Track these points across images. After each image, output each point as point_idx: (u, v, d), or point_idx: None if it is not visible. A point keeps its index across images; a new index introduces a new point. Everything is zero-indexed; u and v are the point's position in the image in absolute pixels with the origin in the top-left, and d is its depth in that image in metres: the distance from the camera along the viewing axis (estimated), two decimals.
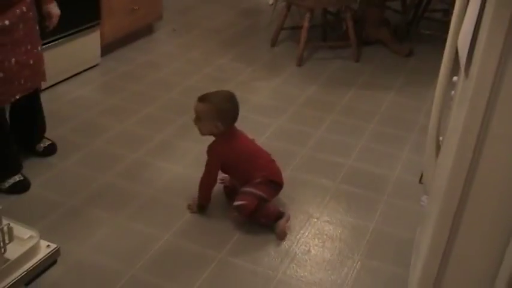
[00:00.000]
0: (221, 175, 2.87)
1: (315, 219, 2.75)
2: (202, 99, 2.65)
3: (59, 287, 2.28)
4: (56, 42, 3.65)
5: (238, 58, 4.49)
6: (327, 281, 2.39)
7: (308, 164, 3.17)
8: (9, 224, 1.90)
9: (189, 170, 3.04)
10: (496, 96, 1.54)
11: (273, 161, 2.77)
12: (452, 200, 1.71)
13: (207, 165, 2.68)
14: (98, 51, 4.12)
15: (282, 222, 2.62)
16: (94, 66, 4.12)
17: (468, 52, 1.67)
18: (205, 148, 3.22)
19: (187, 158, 3.15)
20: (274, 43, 4.73)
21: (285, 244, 2.57)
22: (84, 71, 4.04)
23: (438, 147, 2.18)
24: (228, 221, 2.68)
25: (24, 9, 2.62)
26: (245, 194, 2.60)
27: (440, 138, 2.19)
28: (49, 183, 2.88)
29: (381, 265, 2.48)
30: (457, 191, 1.70)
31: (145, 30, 4.73)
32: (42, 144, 3.07)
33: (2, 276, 1.89)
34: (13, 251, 1.93)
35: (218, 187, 2.82)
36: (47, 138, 3.11)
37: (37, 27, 2.76)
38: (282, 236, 2.60)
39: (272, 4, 5.64)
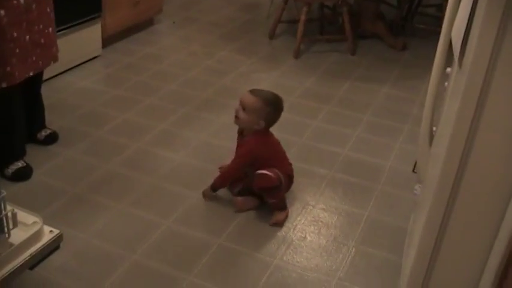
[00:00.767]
0: (220, 163, 2.95)
1: (311, 207, 2.82)
2: (255, 93, 2.70)
3: (63, 271, 2.33)
4: (58, 33, 3.69)
5: (237, 51, 4.55)
6: (322, 267, 2.46)
7: (305, 153, 3.24)
8: (13, 210, 1.93)
9: (190, 159, 3.11)
10: (488, 87, 1.57)
11: (291, 163, 2.85)
12: (445, 188, 1.75)
13: (239, 157, 2.71)
14: (99, 43, 4.17)
15: (282, 213, 2.70)
16: (95, 57, 4.18)
17: (462, 43, 1.70)
18: (205, 138, 3.30)
19: (188, 147, 3.22)
20: (272, 36, 4.79)
21: (282, 231, 2.64)
22: (86, 62, 4.10)
23: (431, 138, 2.24)
24: (227, 208, 2.75)
25: None
26: (271, 171, 2.63)
27: (434, 128, 2.24)
28: (53, 171, 2.94)
29: (375, 252, 2.55)
30: (449, 180, 1.73)
31: (146, 23, 4.78)
32: (43, 133, 3.13)
33: (6, 260, 1.91)
34: (17, 236, 1.96)
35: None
36: (47, 127, 3.17)
37: (49, 9, 2.81)
38: (275, 224, 2.67)
39: None
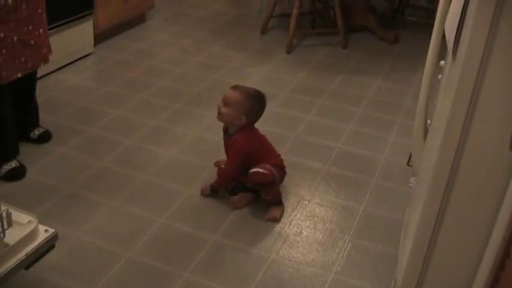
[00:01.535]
0: (215, 159, 2.94)
1: (306, 202, 2.82)
2: (237, 88, 2.71)
3: (58, 270, 2.32)
4: (50, 31, 3.67)
5: (229, 46, 4.54)
6: (318, 261, 2.46)
7: (299, 147, 3.24)
8: (7, 210, 1.91)
9: (183, 155, 3.10)
10: (482, 79, 1.57)
11: (280, 155, 2.85)
12: (441, 181, 1.76)
13: (232, 159, 2.71)
14: (91, 40, 4.15)
15: (278, 209, 2.70)
16: (88, 55, 4.15)
17: (455, 35, 1.71)
18: (198, 133, 3.29)
19: (180, 143, 3.21)
20: (264, 31, 4.78)
21: (278, 226, 2.64)
22: (78, 59, 4.07)
23: (426, 130, 2.25)
24: (222, 204, 2.74)
25: None
26: (264, 167, 2.64)
27: (428, 121, 2.25)
28: (46, 169, 2.92)
29: (371, 245, 2.56)
30: (445, 173, 1.74)
31: (138, 19, 4.76)
32: (36, 132, 3.11)
33: (1, 260, 1.90)
34: (12, 236, 1.94)
35: (212, 171, 2.89)
36: (41, 126, 3.15)
37: (40, 10, 2.79)
38: (270, 219, 2.67)
39: None
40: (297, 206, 2.78)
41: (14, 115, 2.89)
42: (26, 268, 2.05)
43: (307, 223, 2.67)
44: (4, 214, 1.89)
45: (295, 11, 4.39)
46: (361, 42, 4.75)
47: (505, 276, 1.57)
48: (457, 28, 1.69)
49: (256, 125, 3.14)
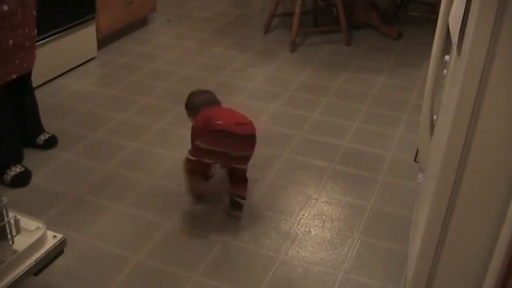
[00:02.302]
0: None
1: (314, 201, 2.81)
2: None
3: (67, 276, 2.32)
4: (53, 37, 3.68)
5: (232, 46, 4.53)
6: (328, 260, 2.45)
7: (305, 146, 3.23)
8: (15, 216, 1.92)
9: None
10: (488, 73, 1.56)
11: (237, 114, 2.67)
12: (449, 176, 1.75)
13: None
14: (95, 45, 4.15)
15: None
16: (91, 59, 4.15)
17: (460, 30, 1.70)
18: None
19: (186, 145, 3.18)
20: (267, 30, 4.78)
21: (286, 226, 2.63)
22: (82, 64, 4.07)
23: (432, 126, 2.23)
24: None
25: None
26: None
27: (434, 117, 2.24)
28: (52, 175, 2.92)
29: (380, 242, 2.54)
30: (453, 168, 1.73)
31: (140, 22, 4.76)
32: (42, 137, 3.11)
33: (11, 267, 1.91)
34: (21, 243, 1.95)
35: (218, 172, 2.89)
36: (46, 132, 3.15)
37: (34, 12, 2.80)
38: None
39: None
40: (304, 205, 2.77)
41: (14, 121, 2.90)
42: (35, 274, 2.05)
43: (315, 222, 2.66)
44: (12, 221, 1.89)
45: (297, 10, 4.38)
46: (365, 39, 4.73)
47: None
48: (461, 23, 1.68)
49: (263, 124, 3.15)
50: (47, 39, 3.61)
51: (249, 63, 4.27)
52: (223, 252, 2.47)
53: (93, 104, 3.59)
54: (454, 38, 1.81)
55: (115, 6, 4.25)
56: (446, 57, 2.16)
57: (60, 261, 2.21)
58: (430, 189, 1.94)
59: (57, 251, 2.09)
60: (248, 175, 2.82)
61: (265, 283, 2.32)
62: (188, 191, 2.76)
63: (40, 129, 3.13)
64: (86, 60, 4.10)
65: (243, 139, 2.54)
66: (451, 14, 1.96)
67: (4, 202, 1.82)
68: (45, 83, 3.72)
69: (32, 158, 3.00)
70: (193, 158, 2.62)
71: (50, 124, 3.23)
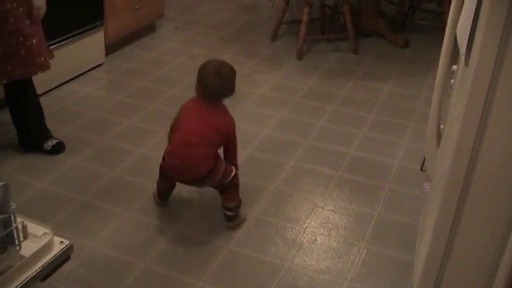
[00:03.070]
0: None
1: (320, 209, 2.81)
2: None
3: (74, 281, 2.33)
4: (62, 43, 3.70)
5: (239, 53, 4.55)
6: (334, 269, 2.45)
7: (311, 154, 3.23)
8: (23, 222, 1.92)
9: None
10: (496, 84, 1.57)
11: (189, 145, 2.51)
12: (456, 186, 1.75)
13: None
14: (103, 50, 4.17)
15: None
16: (99, 65, 4.17)
17: (468, 42, 1.71)
18: None
19: None
20: (274, 37, 4.79)
21: (292, 233, 2.64)
22: (90, 70, 4.09)
23: (439, 136, 2.24)
24: None
25: (15, 4, 2.69)
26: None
27: (441, 126, 2.24)
28: (59, 180, 2.93)
29: (386, 251, 2.54)
30: (460, 177, 1.74)
31: (148, 28, 4.78)
32: (50, 143, 3.12)
33: (18, 272, 1.90)
34: (28, 248, 1.95)
35: None
36: (54, 137, 3.17)
37: (29, 22, 2.78)
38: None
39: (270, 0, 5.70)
40: (310, 213, 2.77)
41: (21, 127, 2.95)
42: (42, 280, 2.05)
43: (321, 230, 2.67)
44: (20, 226, 1.90)
45: (304, 18, 4.39)
46: (372, 47, 4.74)
47: None
48: (469, 34, 1.68)
49: (270, 132, 3.15)
50: (55, 45, 3.62)
51: (256, 70, 4.28)
52: (229, 259, 2.48)
53: (100, 110, 3.60)
54: (462, 49, 1.81)
55: (123, 12, 4.27)
56: (454, 67, 2.17)
57: (66, 267, 2.21)
58: (437, 198, 1.94)
59: (64, 257, 2.09)
60: (254, 182, 2.84)
61: None
62: None
63: (47, 135, 3.15)
64: (94, 66, 4.12)
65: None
66: (459, 25, 1.97)
67: (13, 208, 1.83)
68: (53, 89, 3.74)
69: (39, 163, 3.03)
70: None
71: (58, 129, 3.24)
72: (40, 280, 2.03)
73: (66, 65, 3.81)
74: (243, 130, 3.40)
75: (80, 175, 2.99)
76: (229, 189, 2.60)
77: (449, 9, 3.18)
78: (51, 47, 3.56)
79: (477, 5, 1.62)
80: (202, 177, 2.50)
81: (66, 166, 3.05)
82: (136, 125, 3.45)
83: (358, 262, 2.48)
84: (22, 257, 1.94)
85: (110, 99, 3.75)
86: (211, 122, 2.52)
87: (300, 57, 4.44)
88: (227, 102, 2.64)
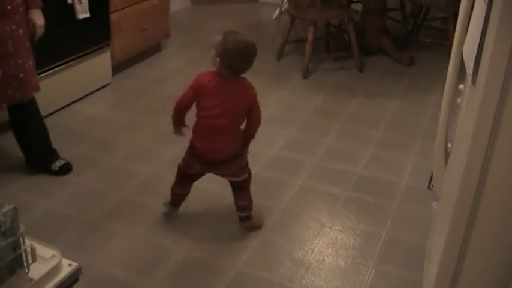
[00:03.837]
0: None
1: (328, 229, 2.80)
2: (225, 32, 2.60)
3: None
4: (68, 64, 3.72)
5: (245, 72, 4.55)
6: None
7: (318, 173, 3.23)
8: (32, 245, 1.93)
9: (202, 183, 3.09)
10: (503, 104, 1.56)
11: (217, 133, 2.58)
12: (465, 205, 1.74)
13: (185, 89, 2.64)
14: (109, 71, 4.20)
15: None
16: (105, 85, 4.19)
17: (475, 61, 1.71)
18: None
19: None
20: (280, 56, 4.81)
21: (300, 254, 2.63)
22: (97, 90, 4.11)
23: (447, 154, 2.23)
24: (242, 233, 2.74)
25: (14, 27, 2.72)
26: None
27: (449, 145, 2.24)
28: (66, 200, 2.94)
29: (395, 271, 2.53)
30: (469, 196, 1.72)
31: (154, 48, 4.80)
32: (57, 164, 3.13)
33: None
34: (36, 271, 1.95)
35: (220, 201, 2.89)
36: (61, 158, 3.17)
37: (28, 44, 2.83)
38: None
39: (276, 18, 5.73)
40: (318, 233, 2.76)
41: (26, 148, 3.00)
42: None
43: (329, 250, 2.66)
44: (28, 249, 1.90)
45: (310, 37, 4.41)
46: (377, 65, 4.75)
47: None
48: (476, 54, 1.69)
49: (277, 151, 3.14)
50: (62, 66, 3.65)
51: (262, 88, 4.25)
52: (238, 280, 2.47)
53: (107, 129, 3.61)
54: (469, 69, 1.81)
55: (129, 33, 4.29)
56: (461, 86, 2.17)
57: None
58: (446, 217, 1.93)
59: (72, 279, 2.09)
60: (262, 202, 2.83)
61: None
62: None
63: (54, 156, 3.15)
64: (100, 86, 4.14)
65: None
66: (465, 45, 1.97)
67: (21, 230, 1.83)
68: (60, 109, 3.76)
69: (46, 183, 3.03)
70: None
71: (65, 149, 3.25)
72: None
73: (73, 85, 3.83)
74: (250, 149, 3.41)
75: (87, 195, 2.99)
76: (243, 188, 2.70)
77: (453, 27, 3.21)
78: (58, 68, 3.60)
79: (484, 24, 1.63)
80: (230, 157, 2.59)
81: (73, 186, 3.05)
82: (143, 144, 3.46)
83: (366, 282, 2.47)
84: (31, 279, 1.93)
85: (117, 118, 3.77)
86: (235, 95, 2.59)
87: (305, 76, 4.46)
88: None
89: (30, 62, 2.85)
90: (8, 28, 2.69)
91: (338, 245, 2.69)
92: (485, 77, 1.58)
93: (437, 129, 2.20)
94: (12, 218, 1.79)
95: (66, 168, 3.14)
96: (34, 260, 1.93)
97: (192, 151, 2.67)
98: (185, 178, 2.75)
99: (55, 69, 3.61)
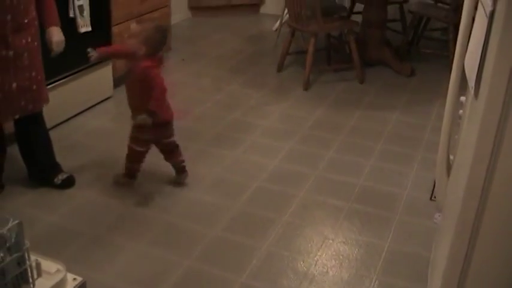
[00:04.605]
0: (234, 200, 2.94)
1: (331, 241, 2.80)
2: (139, 22, 2.97)
3: None
4: (71, 77, 3.74)
5: (246, 84, 4.58)
6: None
7: (320, 185, 3.24)
8: (37, 260, 1.93)
9: (205, 195, 3.11)
10: (506, 117, 1.57)
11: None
12: (469, 215, 1.74)
13: (155, 77, 2.88)
14: (111, 84, 4.21)
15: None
16: (108, 98, 4.21)
17: (477, 74, 1.72)
18: (222, 172, 3.31)
19: (203, 183, 3.22)
20: (280, 68, 4.82)
21: (303, 266, 2.63)
22: (99, 103, 4.13)
23: (449, 166, 2.24)
24: (246, 245, 2.74)
25: (29, 39, 2.75)
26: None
27: (451, 157, 2.24)
28: (69, 214, 2.94)
29: (398, 282, 2.53)
30: (472, 208, 1.73)
31: None
32: (60, 177, 3.13)
33: None
34: (42, 286, 1.94)
35: (237, 211, 2.89)
36: (64, 171, 3.18)
37: (40, 57, 2.86)
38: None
39: (276, 30, 5.75)
40: (321, 245, 2.77)
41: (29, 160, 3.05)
42: None
43: (332, 262, 2.66)
44: (34, 264, 1.90)
45: (310, 48, 4.43)
46: (378, 76, 4.77)
47: None
48: (478, 67, 1.70)
49: (278, 163, 3.15)
50: (65, 79, 3.66)
51: (264, 101, 4.31)
52: None
53: (109, 142, 3.62)
54: (471, 82, 1.82)
55: None
56: (462, 98, 2.18)
57: None
58: (450, 228, 1.93)
59: None
60: (264, 214, 2.84)
61: None
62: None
63: (57, 169, 3.16)
64: (102, 99, 4.16)
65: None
66: (467, 57, 1.98)
67: (27, 246, 1.84)
68: (63, 122, 3.77)
69: (49, 197, 3.04)
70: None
71: (68, 162, 3.25)
72: None
73: (76, 98, 3.84)
74: (252, 162, 3.43)
75: (90, 208, 2.99)
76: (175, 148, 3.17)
77: (454, 37, 3.16)
78: (61, 81, 3.62)
79: (485, 38, 1.64)
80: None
81: (76, 199, 3.05)
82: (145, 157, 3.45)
83: None
84: None
85: (119, 132, 3.76)
86: None
87: (306, 88, 4.47)
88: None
89: (42, 74, 2.88)
90: (24, 41, 2.72)
91: (341, 257, 2.69)
92: (488, 90, 1.59)
93: (438, 141, 2.21)
94: (17, 233, 1.79)
95: (69, 182, 3.15)
96: (39, 275, 1.93)
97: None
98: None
99: (57, 83, 3.62)
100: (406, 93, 4.48)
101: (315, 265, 2.63)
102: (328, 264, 2.64)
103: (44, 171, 3.13)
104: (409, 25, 5.24)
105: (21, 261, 1.82)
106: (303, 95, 4.42)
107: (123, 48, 3.11)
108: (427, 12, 5.14)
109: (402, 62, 4.88)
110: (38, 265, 1.91)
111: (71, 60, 3.69)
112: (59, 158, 3.19)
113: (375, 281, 2.54)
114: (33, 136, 3.06)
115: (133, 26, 2.97)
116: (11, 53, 2.68)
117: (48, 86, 3.50)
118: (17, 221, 1.79)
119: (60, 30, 2.95)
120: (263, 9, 6.59)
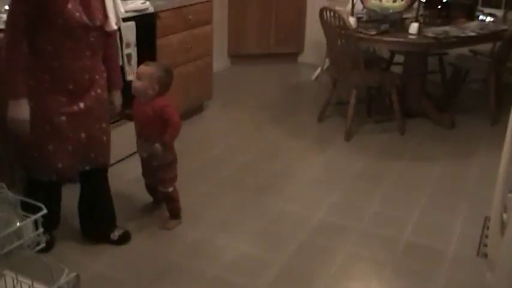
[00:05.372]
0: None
1: None
2: (148, 64, 3.13)
3: None
4: (113, 125, 3.77)
5: (288, 133, 4.60)
6: None
7: (364, 239, 3.20)
8: None
9: (250, 247, 3.09)
10: None
11: None
12: None
13: (171, 113, 3.09)
14: None
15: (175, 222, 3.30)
16: None
17: None
18: (265, 223, 3.29)
19: (246, 235, 3.20)
20: (321, 119, 4.83)
21: None
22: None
23: (503, 225, 2.21)
24: None
25: (99, 91, 2.81)
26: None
27: (504, 216, 2.22)
28: (114, 264, 2.94)
29: None
30: None
31: (196, 109, 4.87)
32: (116, 233, 3.09)
33: None
34: None
35: (282, 264, 2.87)
36: (119, 227, 3.13)
37: (107, 108, 2.92)
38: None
39: (315, 79, 5.80)
40: None
41: (88, 214, 3.05)
42: None
43: None
44: None
45: (352, 100, 4.45)
46: (418, 128, 4.75)
47: None
48: None
49: (321, 216, 3.13)
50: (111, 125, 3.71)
51: (305, 151, 4.31)
52: None
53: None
54: None
55: (173, 96, 4.35)
56: None
57: None
58: None
59: None
60: (310, 269, 2.81)
61: None
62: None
63: (113, 224, 3.13)
64: None
65: None
66: None
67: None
68: None
69: (94, 245, 3.04)
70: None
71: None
72: None
73: (118, 145, 3.86)
74: (295, 213, 3.41)
75: (136, 258, 2.99)
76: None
77: (494, 89, 3.11)
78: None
79: None
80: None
81: (120, 249, 3.05)
82: (188, 207, 3.45)
83: None
84: None
85: None
86: None
87: (348, 139, 4.47)
88: None
89: (110, 127, 2.94)
90: (93, 93, 2.77)
91: None
92: None
93: (483, 194, 2.19)
94: (74, 286, 1.80)
95: (125, 238, 3.11)
96: None
97: None
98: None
99: None
100: (447, 145, 4.45)
101: None
102: None
103: (100, 226, 3.11)
104: (450, 77, 5.24)
105: None
106: (345, 146, 4.41)
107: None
108: (467, 65, 5.15)
109: (442, 114, 4.86)
110: None
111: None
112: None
113: None
114: (98, 190, 3.06)
115: (141, 67, 3.08)
116: (81, 105, 2.73)
117: None
118: (74, 274, 1.80)
119: (120, 94, 3.05)
120: (301, 59, 6.64)
